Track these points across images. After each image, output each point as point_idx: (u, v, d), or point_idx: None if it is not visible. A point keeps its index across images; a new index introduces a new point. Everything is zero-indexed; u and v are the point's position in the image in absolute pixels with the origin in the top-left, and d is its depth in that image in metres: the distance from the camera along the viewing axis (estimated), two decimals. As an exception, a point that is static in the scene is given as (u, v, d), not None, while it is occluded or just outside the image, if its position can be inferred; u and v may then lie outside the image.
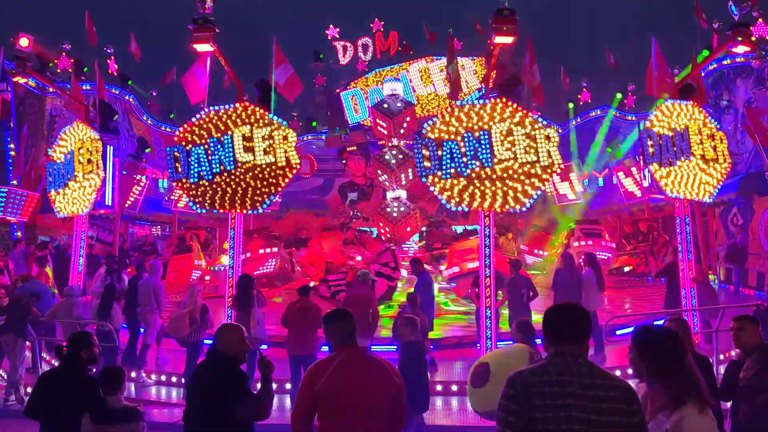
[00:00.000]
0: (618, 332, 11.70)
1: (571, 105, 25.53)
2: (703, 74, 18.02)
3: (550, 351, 2.80)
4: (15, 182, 16.96)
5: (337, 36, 28.40)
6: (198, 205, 10.62)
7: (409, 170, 19.26)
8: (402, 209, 19.68)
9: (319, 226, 23.62)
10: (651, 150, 10.76)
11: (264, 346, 9.78)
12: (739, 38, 10.08)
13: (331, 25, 28.44)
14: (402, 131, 19.73)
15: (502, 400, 2.70)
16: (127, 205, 17.56)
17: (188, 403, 4.18)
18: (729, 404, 5.36)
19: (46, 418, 4.93)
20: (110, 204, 11.97)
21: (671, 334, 3.03)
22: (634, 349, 2.99)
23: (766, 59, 15.30)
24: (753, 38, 13.74)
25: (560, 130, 23.03)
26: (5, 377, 10.30)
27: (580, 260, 12.43)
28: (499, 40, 9.93)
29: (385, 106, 20.27)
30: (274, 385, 4.47)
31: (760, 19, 16.13)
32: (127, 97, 21.43)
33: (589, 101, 25.67)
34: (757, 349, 5.04)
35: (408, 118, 19.92)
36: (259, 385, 4.23)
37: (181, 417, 4.15)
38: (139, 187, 18.06)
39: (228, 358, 4.16)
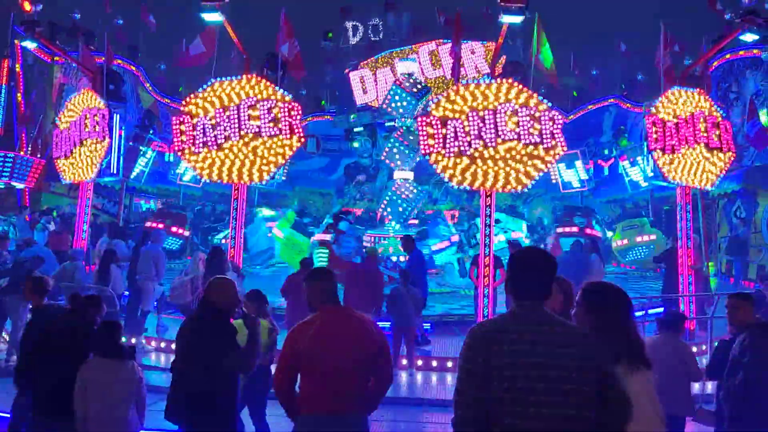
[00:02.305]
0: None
1: (575, 93, 25.39)
2: (715, 65, 17.93)
3: (512, 304, 2.81)
4: (22, 151, 17.10)
5: (348, 16, 28.22)
6: (202, 176, 10.72)
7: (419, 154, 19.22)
8: (406, 191, 19.67)
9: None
10: (655, 136, 10.77)
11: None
12: (747, 26, 10.03)
13: (342, 5, 28.30)
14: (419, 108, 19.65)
15: (462, 350, 2.72)
16: (132, 177, 17.66)
17: (178, 352, 4.27)
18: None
19: (40, 370, 5.03)
20: (115, 172, 12.06)
21: (618, 289, 3.05)
22: (582, 303, 3.00)
23: (776, 51, 15.17)
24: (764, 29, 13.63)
25: (567, 118, 23.01)
26: (7, 339, 10.47)
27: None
28: (508, 19, 9.92)
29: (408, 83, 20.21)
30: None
31: (773, 11, 15.97)
32: (135, 69, 21.42)
33: (598, 90, 25.51)
34: (748, 328, 5.10)
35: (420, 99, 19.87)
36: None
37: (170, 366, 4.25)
38: (145, 158, 18.14)
39: (218, 309, 4.25)
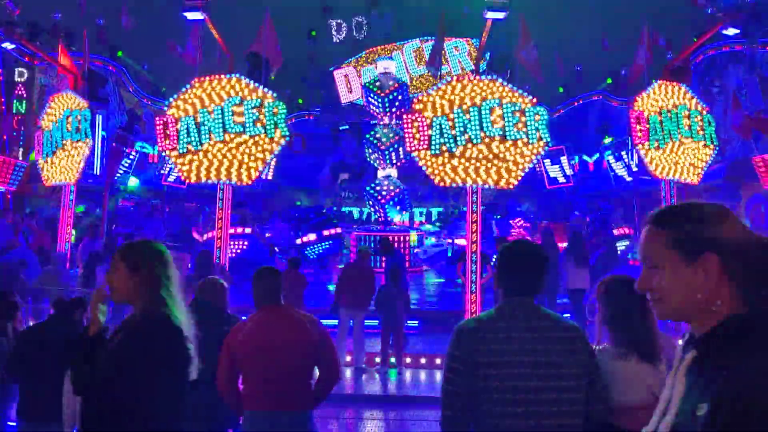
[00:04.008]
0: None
1: (560, 89, 25.54)
2: (698, 59, 18.10)
3: (502, 299, 2.74)
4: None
5: (331, 14, 28.22)
6: (188, 177, 10.64)
7: (400, 149, 19.22)
8: (392, 188, 19.69)
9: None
10: (639, 131, 10.85)
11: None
12: (729, 20, 10.14)
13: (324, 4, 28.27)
14: (393, 110, 19.68)
15: (449, 348, 2.65)
16: (116, 178, 17.50)
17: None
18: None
19: (27, 375, 4.97)
20: (98, 173, 11.94)
21: (633, 281, 3.03)
22: (600, 296, 3.04)
23: (757, 45, 15.34)
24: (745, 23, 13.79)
25: (552, 113, 23.14)
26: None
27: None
28: (491, 15, 9.94)
29: (378, 84, 20.19)
30: None
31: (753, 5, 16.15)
32: (116, 69, 21.24)
33: (582, 86, 25.65)
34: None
35: (400, 97, 19.87)
36: None
37: None
38: (128, 160, 17.99)
39: (214, 308, 4.24)
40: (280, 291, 3.85)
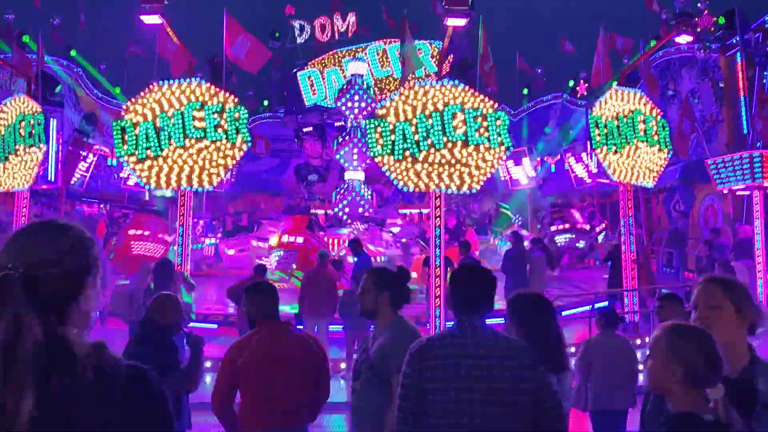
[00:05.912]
0: (563, 313, 12.04)
1: (525, 91, 25.87)
2: (653, 62, 18.55)
3: (455, 319, 2.79)
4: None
5: (294, 15, 28.07)
6: (147, 184, 10.44)
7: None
8: (358, 190, 19.71)
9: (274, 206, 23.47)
10: (597, 135, 11.06)
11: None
12: (682, 28, 10.42)
13: (289, 4, 28.12)
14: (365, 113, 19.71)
15: (403, 365, 2.70)
16: (73, 182, 17.04)
17: None
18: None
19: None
20: (53, 179, 11.61)
21: (541, 296, 3.36)
22: (509, 313, 3.26)
23: (710, 50, 15.80)
24: (698, 29, 14.21)
25: (514, 115, 23.48)
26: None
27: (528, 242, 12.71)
28: (452, 21, 10.00)
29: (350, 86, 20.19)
30: (208, 363, 4.47)
31: (706, 11, 16.66)
32: (74, 70, 20.70)
33: (544, 88, 26.05)
34: None
35: (371, 101, 19.92)
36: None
37: None
38: (85, 163, 17.54)
39: (161, 327, 4.17)
40: (278, 307, 3.84)
